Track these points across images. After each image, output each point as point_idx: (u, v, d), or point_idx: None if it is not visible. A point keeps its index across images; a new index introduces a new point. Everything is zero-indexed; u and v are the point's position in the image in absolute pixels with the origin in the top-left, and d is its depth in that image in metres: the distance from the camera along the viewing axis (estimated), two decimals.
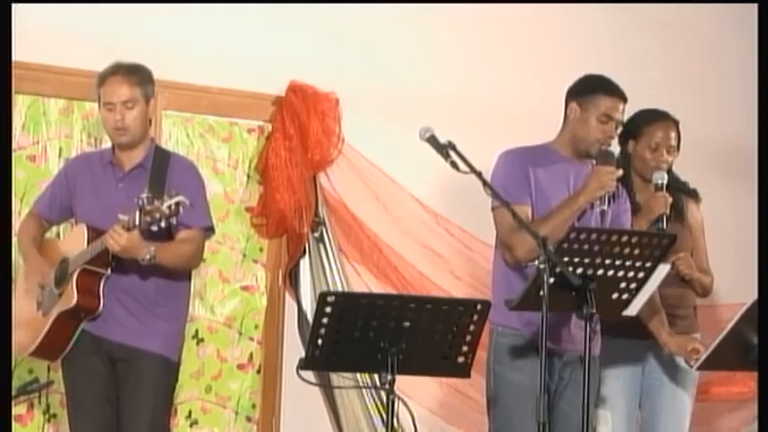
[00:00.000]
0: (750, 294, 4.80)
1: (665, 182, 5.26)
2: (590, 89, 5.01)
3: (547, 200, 4.92)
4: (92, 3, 5.59)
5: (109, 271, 4.79)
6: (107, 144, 5.70)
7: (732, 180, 7.09)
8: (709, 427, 6.58)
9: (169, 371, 4.92)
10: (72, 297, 4.77)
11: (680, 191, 5.44)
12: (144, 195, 4.68)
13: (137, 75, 4.92)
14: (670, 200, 5.22)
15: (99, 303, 4.79)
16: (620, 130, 5.06)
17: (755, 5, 6.44)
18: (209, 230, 5.00)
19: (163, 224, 4.55)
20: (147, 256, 4.66)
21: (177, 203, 4.52)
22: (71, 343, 4.86)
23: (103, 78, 4.93)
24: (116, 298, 4.82)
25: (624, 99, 5.02)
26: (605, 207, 4.97)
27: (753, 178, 6.66)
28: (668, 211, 5.19)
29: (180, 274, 4.92)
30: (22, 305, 5.00)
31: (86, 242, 4.79)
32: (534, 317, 4.56)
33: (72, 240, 4.93)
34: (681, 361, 5.32)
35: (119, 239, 4.60)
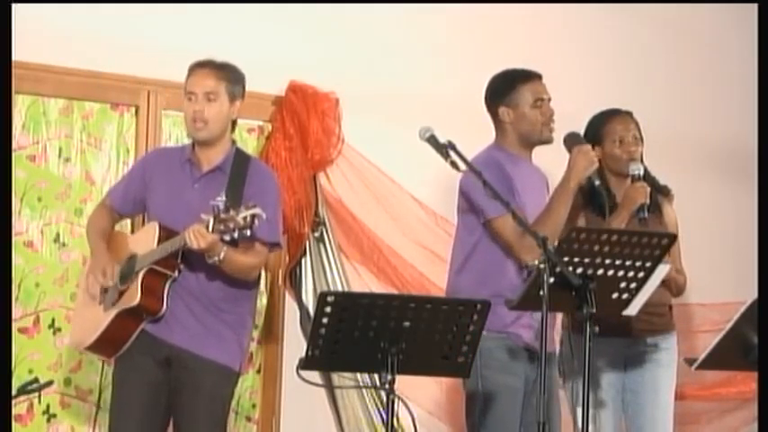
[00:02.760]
0: (749, 293, 4.81)
1: (642, 172, 5.31)
2: (508, 87, 5.08)
3: (523, 201, 4.93)
4: (91, 2, 5.58)
5: (176, 273, 4.71)
6: (107, 143, 5.75)
7: (731, 180, 7.10)
8: (709, 426, 6.59)
9: (229, 380, 4.85)
10: (135, 296, 4.68)
11: (653, 188, 5.45)
12: (219, 200, 4.66)
13: (225, 71, 4.83)
14: (648, 189, 5.25)
15: (162, 306, 4.71)
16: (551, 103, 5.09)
17: (755, 5, 6.42)
18: (276, 246, 4.92)
19: (236, 235, 4.46)
20: (216, 258, 4.60)
21: (253, 216, 4.44)
22: (129, 342, 4.77)
23: (192, 69, 4.85)
24: (180, 298, 4.74)
25: (539, 76, 5.08)
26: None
27: (752, 178, 6.67)
28: (648, 201, 5.21)
29: (245, 282, 4.84)
30: (84, 298, 4.94)
31: (157, 241, 4.70)
32: (517, 317, 4.61)
33: (142, 237, 4.84)
34: (662, 358, 5.32)
35: (200, 240, 4.51)
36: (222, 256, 4.59)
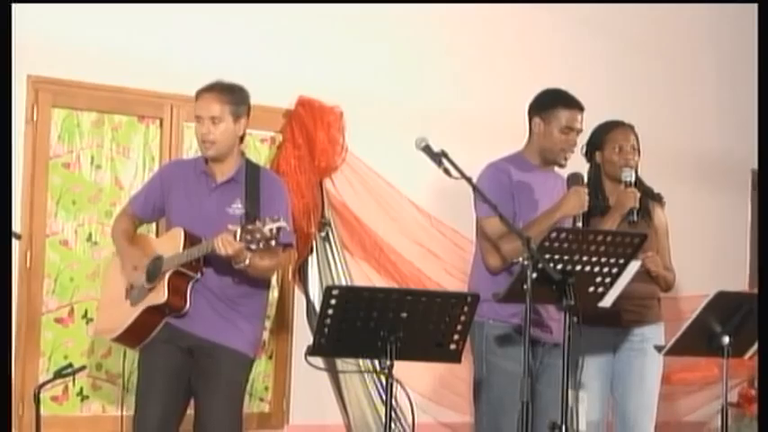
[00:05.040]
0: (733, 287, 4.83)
1: (633, 179, 5.30)
2: (550, 104, 5.05)
3: (528, 204, 4.95)
4: (103, 2, 5.60)
5: (199, 275, 4.72)
6: (134, 152, 5.77)
7: (711, 186, 7.14)
8: (677, 403, 6.60)
9: (245, 365, 4.85)
10: (162, 294, 4.69)
11: (646, 194, 5.47)
12: (236, 207, 4.70)
13: (229, 94, 4.81)
14: (639, 195, 5.26)
15: (185, 304, 4.72)
16: (580, 137, 5.09)
17: (755, 5, 6.19)
18: (289, 246, 4.91)
19: (261, 245, 4.46)
20: (242, 264, 4.61)
21: (279, 229, 4.44)
22: (153, 334, 4.79)
23: (199, 93, 4.85)
24: (202, 295, 4.74)
25: (581, 109, 5.05)
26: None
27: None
28: (638, 205, 5.23)
29: (259, 280, 4.86)
30: (111, 292, 4.96)
31: (182, 246, 4.71)
32: (520, 308, 4.58)
33: (167, 241, 4.83)
34: (649, 347, 5.34)
35: (228, 247, 4.52)
36: (248, 261, 4.60)
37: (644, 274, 5.30)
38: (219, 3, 5.84)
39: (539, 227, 4.81)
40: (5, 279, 4.21)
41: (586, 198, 4.92)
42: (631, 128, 5.48)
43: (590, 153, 5.46)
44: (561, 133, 5.01)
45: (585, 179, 5.36)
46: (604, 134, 5.45)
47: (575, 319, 4.47)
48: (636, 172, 5.40)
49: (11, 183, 4.54)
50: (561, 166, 5.07)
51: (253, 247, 4.49)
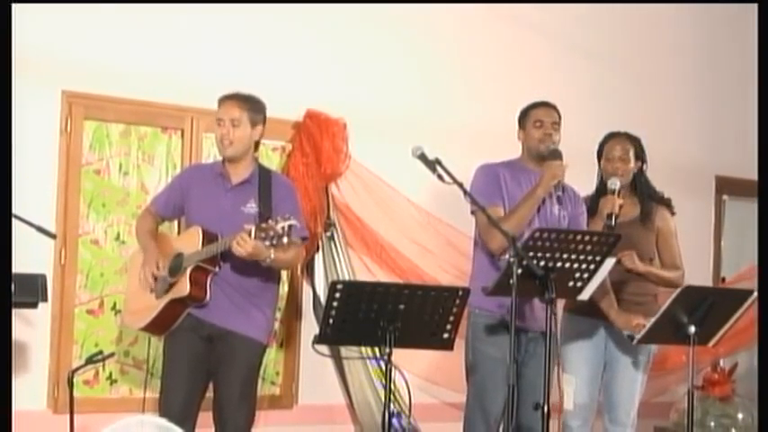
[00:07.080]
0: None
1: (617, 187, 5.31)
2: (522, 114, 5.19)
3: (514, 199, 5.00)
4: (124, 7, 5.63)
5: (217, 269, 4.77)
6: (158, 160, 5.82)
7: (693, 194, 7.22)
8: (649, 383, 6.64)
9: (259, 351, 4.90)
10: (185, 288, 4.74)
11: (651, 198, 5.50)
12: (251, 206, 4.75)
13: (248, 102, 4.89)
14: (619, 202, 5.27)
15: (206, 295, 4.76)
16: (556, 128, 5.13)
17: (755, 5, 6.02)
18: (305, 239, 5.00)
19: (275, 242, 4.51)
20: (267, 261, 4.65)
21: (290, 226, 4.48)
22: (176, 324, 4.85)
23: (221, 100, 4.91)
24: (219, 287, 4.79)
25: (549, 105, 5.15)
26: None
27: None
28: (617, 211, 5.23)
29: (271, 273, 4.89)
30: (136, 286, 4.99)
31: (201, 243, 4.75)
32: (505, 301, 4.60)
33: (187, 239, 4.87)
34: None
35: (245, 246, 4.57)
36: (273, 256, 4.64)
37: (634, 273, 5.36)
38: (237, 2, 5.84)
39: (524, 205, 4.91)
40: (6, 280, 4.20)
41: (563, 169, 4.97)
42: (628, 137, 5.45)
43: (598, 162, 5.53)
44: (534, 128, 5.10)
45: (595, 183, 5.43)
46: (603, 144, 5.50)
47: (556, 310, 4.51)
48: (642, 176, 5.44)
49: (11, 180, 4.57)
50: (545, 156, 5.08)
51: (267, 243, 4.53)
